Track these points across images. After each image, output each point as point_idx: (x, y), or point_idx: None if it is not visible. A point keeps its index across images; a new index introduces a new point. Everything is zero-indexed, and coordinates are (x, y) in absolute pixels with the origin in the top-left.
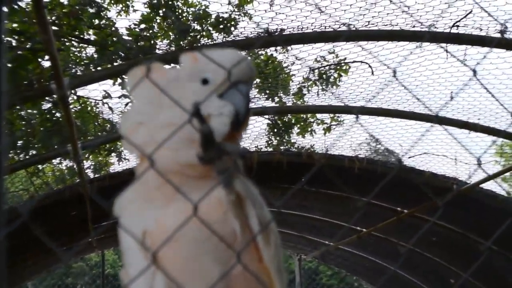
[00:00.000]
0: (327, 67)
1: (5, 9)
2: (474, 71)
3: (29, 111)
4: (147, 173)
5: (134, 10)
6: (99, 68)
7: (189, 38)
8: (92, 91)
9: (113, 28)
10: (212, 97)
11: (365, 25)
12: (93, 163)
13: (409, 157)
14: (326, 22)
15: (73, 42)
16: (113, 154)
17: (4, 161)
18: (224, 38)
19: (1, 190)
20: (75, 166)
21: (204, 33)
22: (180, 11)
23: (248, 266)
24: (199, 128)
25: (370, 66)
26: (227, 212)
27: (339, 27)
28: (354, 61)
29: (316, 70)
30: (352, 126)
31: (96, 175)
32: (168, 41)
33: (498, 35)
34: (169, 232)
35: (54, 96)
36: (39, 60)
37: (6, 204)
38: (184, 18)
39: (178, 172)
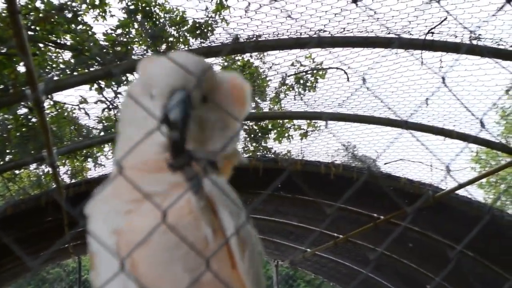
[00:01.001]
0: (303, 73)
1: None
2: (443, 78)
3: (5, 116)
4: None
5: (111, 15)
6: (75, 74)
7: (165, 43)
8: (68, 96)
9: (90, 33)
10: (157, 111)
11: (340, 32)
12: (69, 168)
13: (385, 163)
14: (301, 29)
15: (49, 47)
16: (89, 159)
17: None
18: (201, 44)
19: None
20: (51, 171)
21: (180, 39)
22: (157, 17)
23: (220, 272)
24: (168, 135)
25: (345, 73)
26: (197, 218)
27: (315, 34)
28: (330, 67)
29: (292, 76)
30: (321, 132)
31: (73, 181)
32: (145, 46)
33: (472, 42)
34: (138, 235)
35: (29, 102)
36: (15, 65)
37: None
38: (161, 24)
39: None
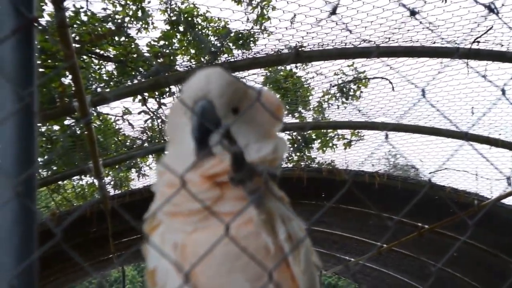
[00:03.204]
0: (348, 83)
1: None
2: (503, 91)
3: (49, 127)
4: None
5: (154, 27)
6: (119, 85)
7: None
8: (114, 108)
9: (133, 45)
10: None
11: (386, 42)
12: (113, 179)
13: (430, 173)
14: (346, 39)
15: (93, 58)
16: (133, 169)
17: (35, 181)
18: (244, 55)
19: (34, 210)
20: (95, 182)
21: (224, 49)
22: (199, 27)
23: (281, 284)
24: (230, 149)
25: (390, 82)
26: (258, 230)
27: (360, 44)
28: (375, 77)
29: (336, 86)
30: (365, 141)
31: (117, 191)
32: (189, 57)
33: None
34: (200, 248)
35: (75, 113)
36: (60, 78)
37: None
38: (204, 34)
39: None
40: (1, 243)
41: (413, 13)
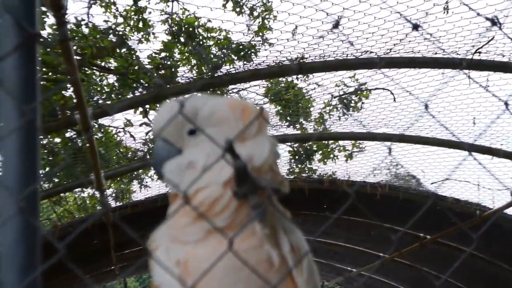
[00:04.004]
0: (349, 94)
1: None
2: (506, 104)
3: (51, 139)
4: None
5: (155, 37)
6: (120, 97)
7: (210, 64)
8: (115, 121)
9: (134, 57)
10: None
11: (387, 53)
12: (114, 191)
13: (432, 183)
14: (348, 50)
15: (94, 70)
16: (134, 181)
17: (38, 196)
18: (245, 66)
19: (37, 226)
20: (97, 193)
21: (225, 59)
22: (200, 37)
23: None
24: (233, 163)
25: (392, 93)
26: (261, 243)
27: (361, 55)
28: (376, 88)
29: (337, 97)
30: (366, 152)
31: (118, 204)
32: (189, 67)
33: None
34: (202, 263)
35: (77, 125)
36: (61, 90)
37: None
38: (206, 44)
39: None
40: (4, 259)
41: (416, 27)
